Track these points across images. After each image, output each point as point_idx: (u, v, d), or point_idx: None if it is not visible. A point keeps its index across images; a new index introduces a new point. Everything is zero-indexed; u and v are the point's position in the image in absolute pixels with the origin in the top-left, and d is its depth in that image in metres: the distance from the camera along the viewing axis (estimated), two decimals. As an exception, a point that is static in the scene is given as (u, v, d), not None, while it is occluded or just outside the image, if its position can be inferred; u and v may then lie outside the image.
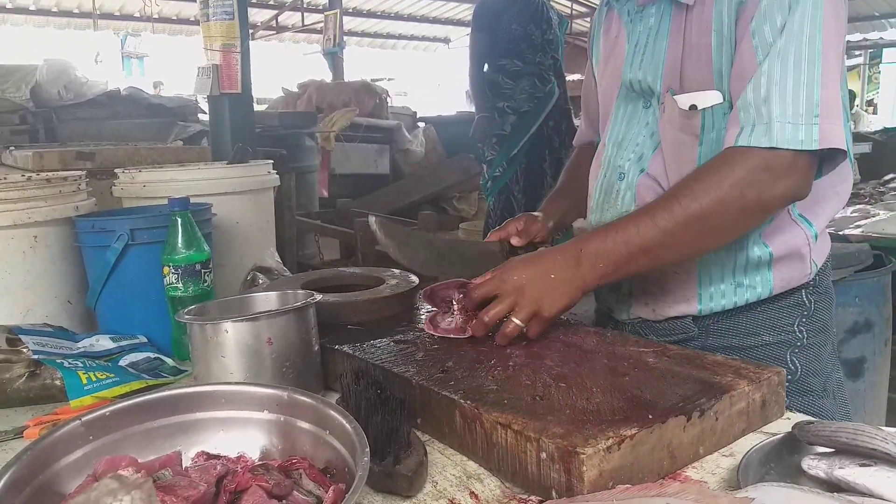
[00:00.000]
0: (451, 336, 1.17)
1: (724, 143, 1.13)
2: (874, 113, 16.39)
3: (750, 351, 1.25)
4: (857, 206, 3.65)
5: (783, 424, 0.98)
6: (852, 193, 4.09)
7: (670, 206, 1.10)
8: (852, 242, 2.93)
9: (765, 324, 1.28)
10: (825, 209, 1.28)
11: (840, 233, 3.08)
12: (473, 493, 0.86)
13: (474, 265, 1.36)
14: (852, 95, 13.63)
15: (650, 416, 0.85)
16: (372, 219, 1.39)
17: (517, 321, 1.12)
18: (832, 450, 0.82)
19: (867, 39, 11.63)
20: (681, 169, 1.23)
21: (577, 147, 1.70)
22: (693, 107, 1.20)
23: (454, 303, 1.22)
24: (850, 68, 17.51)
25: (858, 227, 3.16)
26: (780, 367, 1.03)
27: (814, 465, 0.80)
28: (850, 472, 0.76)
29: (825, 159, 1.11)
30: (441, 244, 1.47)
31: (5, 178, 1.47)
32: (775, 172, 1.07)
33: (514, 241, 1.46)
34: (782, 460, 0.85)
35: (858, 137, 5.27)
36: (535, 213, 1.53)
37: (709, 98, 1.19)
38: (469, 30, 4.42)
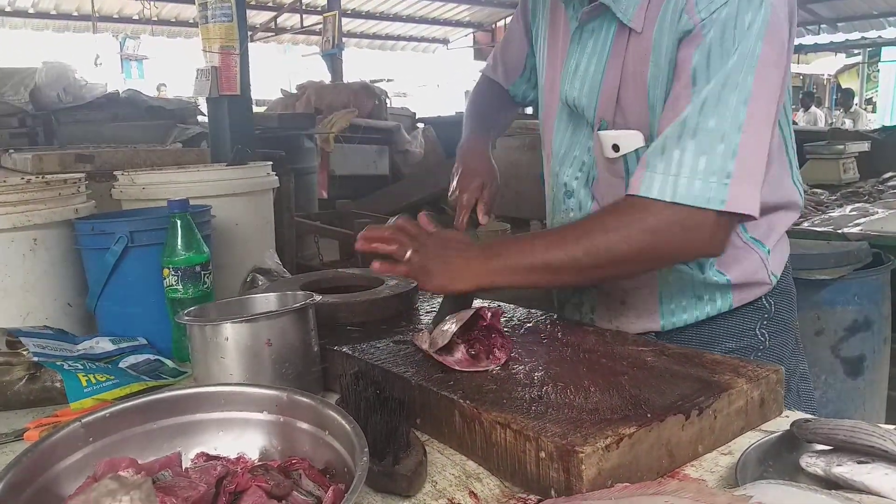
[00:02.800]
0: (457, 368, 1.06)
1: (631, 182, 1.06)
2: (873, 111, 16.41)
3: None
4: (857, 205, 3.65)
5: (781, 422, 0.98)
6: (851, 192, 4.11)
7: (580, 236, 1.06)
8: (851, 241, 2.93)
9: (727, 332, 1.28)
10: (776, 226, 1.26)
11: (839, 231, 3.09)
12: (473, 492, 0.86)
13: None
14: (851, 94, 13.67)
15: (649, 415, 0.86)
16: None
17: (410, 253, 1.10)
18: (830, 447, 0.82)
19: (865, 38, 11.61)
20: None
21: (484, 76, 1.63)
22: (616, 147, 1.16)
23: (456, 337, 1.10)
24: (849, 67, 17.56)
25: (857, 225, 3.16)
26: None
27: (812, 462, 0.80)
28: (848, 469, 0.77)
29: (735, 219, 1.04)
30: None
31: (5, 181, 1.47)
32: (685, 227, 1.01)
33: (483, 220, 1.37)
34: (780, 458, 0.85)
35: (857, 136, 5.27)
36: (476, 173, 1.40)
37: (632, 140, 1.15)
38: (467, 31, 4.41)
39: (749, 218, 1.02)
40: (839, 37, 11.39)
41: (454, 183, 1.40)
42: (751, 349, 1.27)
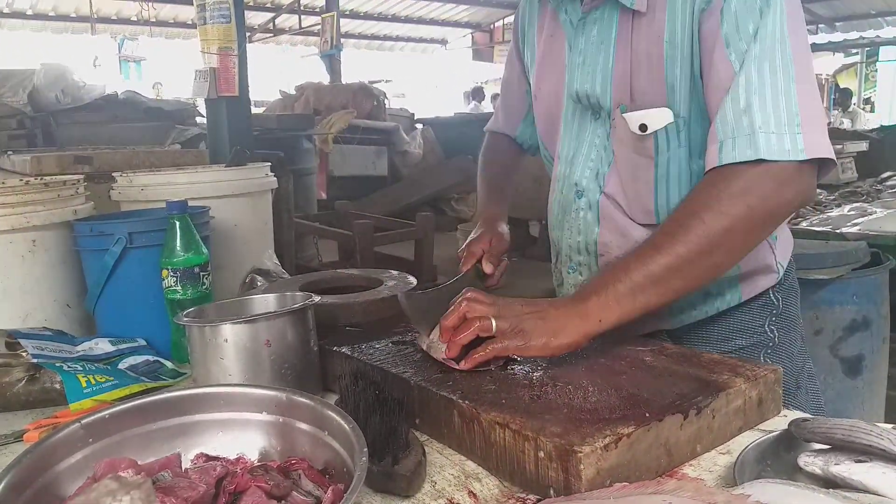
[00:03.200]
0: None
1: (707, 161, 1.06)
2: (871, 111, 16.42)
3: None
4: (855, 205, 3.66)
5: (780, 422, 0.98)
6: (849, 191, 4.12)
7: (672, 231, 1.03)
8: (850, 241, 2.94)
9: (737, 328, 1.28)
10: None
11: (837, 231, 3.09)
12: (472, 492, 0.86)
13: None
14: (849, 93, 13.67)
15: (647, 415, 0.86)
16: (401, 297, 1.24)
17: (494, 322, 1.01)
18: (828, 446, 0.82)
19: (864, 38, 11.64)
20: (638, 190, 1.21)
21: (489, 133, 1.64)
22: (644, 126, 1.15)
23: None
24: (847, 66, 17.56)
25: (856, 224, 3.17)
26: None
27: (810, 461, 0.80)
28: (846, 469, 0.77)
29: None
30: (443, 295, 1.29)
31: (3, 183, 1.47)
32: (777, 180, 1.01)
33: (487, 268, 1.36)
34: (779, 457, 0.85)
35: (856, 136, 5.28)
36: (488, 230, 1.42)
37: (660, 118, 1.14)
38: (465, 31, 4.41)
39: (830, 163, 1.03)
40: (837, 36, 11.41)
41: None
42: (760, 346, 1.28)
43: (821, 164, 1.04)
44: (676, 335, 1.29)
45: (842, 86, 15.41)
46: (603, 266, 1.25)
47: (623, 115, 1.17)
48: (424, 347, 1.11)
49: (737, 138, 1.02)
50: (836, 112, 13.26)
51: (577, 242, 1.31)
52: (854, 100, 14.29)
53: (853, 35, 11.70)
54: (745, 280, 1.25)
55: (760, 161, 1.00)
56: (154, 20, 11.34)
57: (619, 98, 1.18)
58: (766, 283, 1.27)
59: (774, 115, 1.01)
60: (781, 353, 1.28)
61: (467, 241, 1.42)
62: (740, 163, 1.02)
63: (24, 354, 1.22)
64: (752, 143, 1.01)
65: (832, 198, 3.93)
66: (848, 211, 3.52)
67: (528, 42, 1.42)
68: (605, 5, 1.18)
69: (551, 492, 0.82)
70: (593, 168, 1.26)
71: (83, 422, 0.78)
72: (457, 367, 1.03)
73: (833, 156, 1.03)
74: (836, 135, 5.41)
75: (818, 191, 4.07)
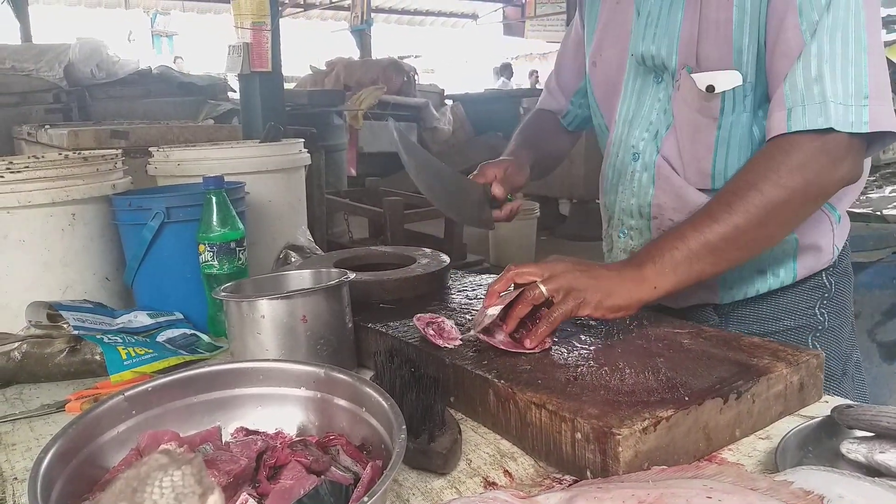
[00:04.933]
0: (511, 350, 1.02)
1: (772, 127, 1.06)
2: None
3: (772, 337, 1.22)
4: (896, 186, 3.57)
5: (820, 408, 0.97)
6: (890, 172, 4.00)
7: (728, 201, 1.03)
8: (891, 223, 2.86)
9: (786, 308, 1.26)
10: (848, 193, 1.23)
11: (878, 213, 3.02)
12: (507, 471, 0.86)
13: (459, 202, 1.34)
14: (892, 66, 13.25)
15: (686, 398, 0.85)
16: (391, 123, 1.33)
17: (543, 288, 1.00)
18: (872, 434, 0.81)
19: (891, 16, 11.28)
20: (696, 153, 1.20)
21: (535, 110, 1.63)
22: (711, 87, 1.14)
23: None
24: (888, 44, 17.02)
25: (897, 207, 3.09)
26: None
27: (853, 448, 0.79)
28: (892, 457, 0.75)
29: (874, 140, 1.06)
30: (445, 174, 1.36)
31: (43, 157, 1.49)
32: (832, 156, 1.02)
33: (496, 191, 1.35)
34: (821, 444, 0.84)
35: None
36: (508, 158, 1.43)
37: (728, 79, 1.13)
38: (496, 5, 4.35)
39: (888, 136, 1.03)
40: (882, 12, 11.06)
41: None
42: (809, 328, 1.26)
43: (879, 138, 1.04)
44: (723, 311, 1.28)
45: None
46: (657, 232, 1.25)
47: (693, 75, 1.16)
48: (475, 333, 1.06)
49: (807, 106, 1.02)
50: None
51: (630, 205, 1.31)
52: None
53: (897, 10, 11.32)
54: (801, 259, 1.23)
55: (824, 132, 1.01)
56: (186, -6, 11.39)
57: (684, 60, 1.18)
58: (821, 264, 1.25)
59: (843, 86, 1.01)
60: (829, 337, 1.26)
61: (484, 162, 1.41)
62: (802, 133, 1.02)
63: (65, 326, 1.25)
64: (823, 111, 1.01)
65: (873, 178, 3.83)
66: (889, 193, 3.43)
67: (591, 13, 1.41)
68: None
69: (588, 473, 0.81)
70: (652, 130, 1.26)
71: (127, 394, 0.80)
72: (524, 350, 1.01)
73: (895, 128, 1.02)
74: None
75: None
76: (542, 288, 1.01)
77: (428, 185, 1.30)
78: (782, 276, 1.24)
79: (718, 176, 1.20)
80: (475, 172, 1.40)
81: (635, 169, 1.28)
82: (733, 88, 1.13)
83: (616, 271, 1.04)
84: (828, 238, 1.23)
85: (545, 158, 1.56)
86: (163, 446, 0.71)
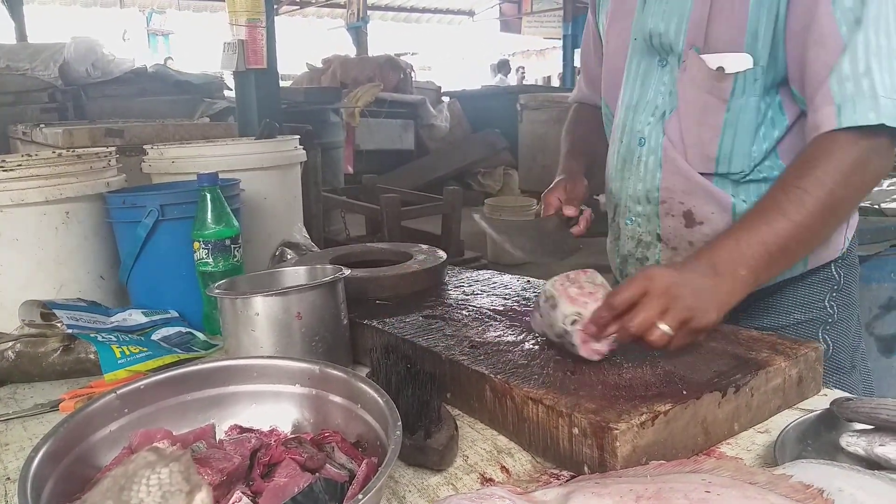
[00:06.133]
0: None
1: (820, 123, 1.03)
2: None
3: (782, 331, 1.21)
4: (895, 179, 3.56)
5: (819, 401, 0.96)
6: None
7: (799, 198, 1.01)
8: (888, 216, 2.86)
9: (796, 301, 1.25)
10: None
11: (876, 206, 3.01)
12: (504, 467, 0.85)
13: (544, 244, 1.31)
14: None
15: (684, 392, 0.84)
16: (478, 217, 1.32)
17: (665, 328, 0.90)
18: (871, 426, 0.80)
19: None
20: (701, 136, 1.18)
21: (576, 103, 1.63)
22: (720, 69, 1.13)
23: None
24: None
25: (895, 200, 3.09)
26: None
27: (853, 441, 0.78)
28: (891, 450, 0.75)
29: None
30: (526, 227, 1.38)
31: (37, 155, 1.48)
32: (882, 151, 1.01)
33: (568, 211, 1.33)
34: (820, 437, 0.83)
35: None
36: (562, 178, 1.41)
37: (738, 62, 1.12)
38: (493, 2, 4.35)
39: None
40: None
41: None
42: (819, 321, 1.25)
43: None
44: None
45: None
46: (665, 218, 1.24)
47: (703, 56, 1.15)
48: (553, 337, 1.01)
49: (857, 101, 1.00)
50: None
51: (637, 191, 1.29)
52: None
53: None
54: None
55: (875, 127, 0.98)
56: (181, -7, 11.36)
57: (692, 40, 1.16)
58: (830, 254, 1.24)
59: (890, 79, 0.99)
60: (839, 330, 1.25)
61: (544, 193, 1.41)
62: (853, 129, 1.00)
63: (59, 325, 1.24)
64: (875, 106, 0.98)
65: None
66: (887, 186, 3.43)
67: (603, 2, 1.40)
68: None
69: (585, 468, 0.81)
70: (657, 114, 1.24)
71: (119, 392, 0.79)
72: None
73: None
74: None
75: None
76: (665, 328, 0.91)
77: (522, 247, 1.28)
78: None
79: (723, 160, 1.18)
80: (542, 207, 1.39)
81: (641, 154, 1.27)
82: (745, 71, 1.12)
83: (697, 285, 0.96)
84: (841, 230, 1.22)
85: (597, 157, 1.53)
86: (153, 444, 0.71)
